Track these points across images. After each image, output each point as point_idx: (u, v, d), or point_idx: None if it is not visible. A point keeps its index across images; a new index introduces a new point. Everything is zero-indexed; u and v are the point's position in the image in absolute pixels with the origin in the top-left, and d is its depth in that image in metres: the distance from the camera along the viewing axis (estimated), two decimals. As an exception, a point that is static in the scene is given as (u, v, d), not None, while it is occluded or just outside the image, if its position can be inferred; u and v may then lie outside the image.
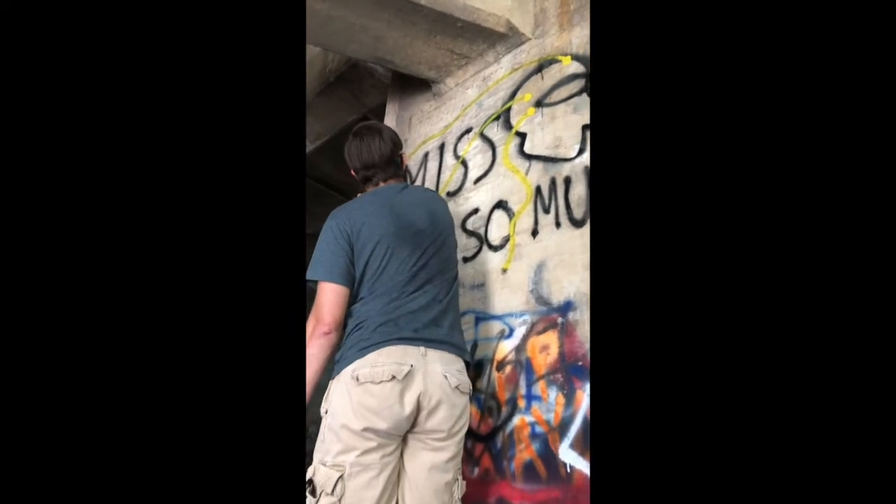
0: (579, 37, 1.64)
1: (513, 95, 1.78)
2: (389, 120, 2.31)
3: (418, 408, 1.16)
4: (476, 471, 1.47)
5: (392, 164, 1.43)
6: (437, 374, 1.19)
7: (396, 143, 1.45)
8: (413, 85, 2.21)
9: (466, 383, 1.26)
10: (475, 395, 1.51)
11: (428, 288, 1.27)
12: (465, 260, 1.72)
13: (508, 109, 1.78)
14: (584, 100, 1.55)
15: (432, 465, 1.17)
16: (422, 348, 1.20)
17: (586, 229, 1.42)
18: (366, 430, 1.11)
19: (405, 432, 1.18)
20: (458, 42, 1.84)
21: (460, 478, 1.24)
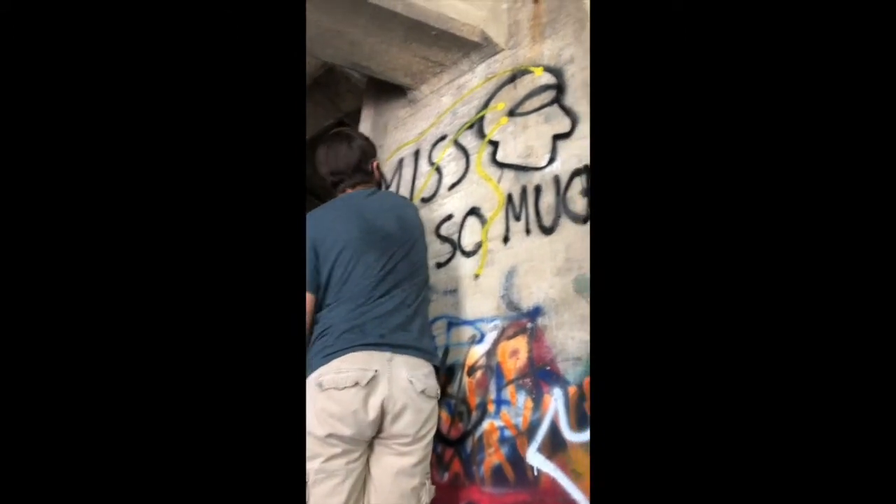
0: (551, 49, 1.67)
1: (486, 104, 1.81)
2: (365, 125, 2.31)
3: (383, 413, 1.17)
4: (446, 475, 1.47)
5: (359, 171, 1.44)
6: (402, 378, 1.19)
7: (366, 152, 1.46)
8: (389, 91, 2.22)
9: (433, 388, 1.27)
10: (446, 399, 1.52)
11: (396, 293, 1.28)
12: (439, 266, 1.73)
13: (482, 118, 1.80)
14: (555, 110, 1.58)
15: (398, 469, 1.18)
16: (388, 353, 1.21)
17: (555, 237, 1.45)
18: (330, 436, 1.12)
19: (371, 438, 1.19)
20: (433, 50, 1.86)
21: (428, 482, 1.24)
